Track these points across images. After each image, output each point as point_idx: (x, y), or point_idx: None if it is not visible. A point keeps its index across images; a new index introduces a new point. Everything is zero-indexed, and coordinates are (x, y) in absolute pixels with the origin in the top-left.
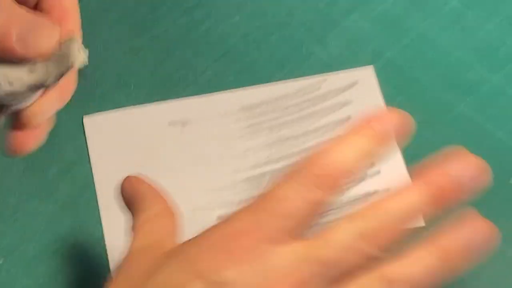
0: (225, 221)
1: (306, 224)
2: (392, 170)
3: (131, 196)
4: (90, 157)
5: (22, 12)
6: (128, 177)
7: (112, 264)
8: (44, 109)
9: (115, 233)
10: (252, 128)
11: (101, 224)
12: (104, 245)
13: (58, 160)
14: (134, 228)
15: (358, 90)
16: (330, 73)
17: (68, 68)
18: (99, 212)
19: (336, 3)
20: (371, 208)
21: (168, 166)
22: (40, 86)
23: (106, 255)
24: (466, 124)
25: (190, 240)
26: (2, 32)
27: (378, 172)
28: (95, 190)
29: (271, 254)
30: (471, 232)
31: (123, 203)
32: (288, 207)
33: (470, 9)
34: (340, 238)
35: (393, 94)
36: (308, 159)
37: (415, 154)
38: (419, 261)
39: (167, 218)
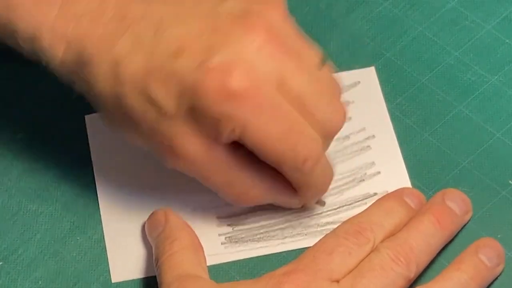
0: (282, 267)
1: (347, 264)
2: (393, 170)
3: (161, 224)
4: (92, 156)
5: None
6: (159, 209)
7: (112, 266)
8: None
9: (116, 234)
10: None
11: (101, 225)
12: (104, 247)
13: (59, 161)
14: (163, 259)
15: (360, 91)
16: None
17: None
18: (99, 213)
19: (336, 3)
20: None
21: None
22: None
23: (106, 256)
24: (466, 124)
25: (247, 280)
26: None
27: (379, 173)
28: (95, 191)
29: (322, 286)
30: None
31: (149, 232)
32: (329, 252)
33: (469, 9)
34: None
35: (392, 94)
36: (344, 221)
37: (415, 155)
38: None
39: (196, 251)
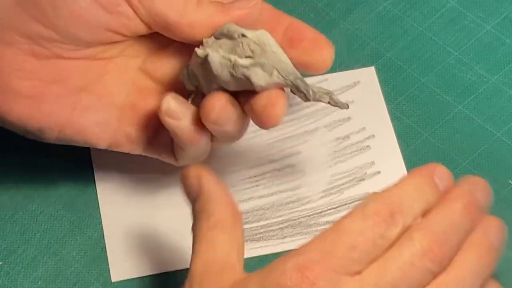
0: (296, 252)
1: (370, 254)
2: (393, 170)
3: (195, 192)
4: (92, 156)
5: None
6: (192, 167)
7: (112, 265)
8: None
9: (115, 234)
10: (253, 127)
11: (101, 225)
12: (104, 247)
13: (59, 161)
14: (197, 234)
15: (360, 91)
16: (332, 72)
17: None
18: (99, 213)
19: (336, 3)
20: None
21: (168, 166)
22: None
23: (106, 256)
24: (466, 124)
25: (260, 272)
26: None
27: (378, 172)
28: (95, 191)
29: (342, 283)
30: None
31: (185, 196)
32: (354, 240)
33: (469, 9)
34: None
35: (392, 95)
36: (374, 196)
37: (415, 155)
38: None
39: (232, 227)
